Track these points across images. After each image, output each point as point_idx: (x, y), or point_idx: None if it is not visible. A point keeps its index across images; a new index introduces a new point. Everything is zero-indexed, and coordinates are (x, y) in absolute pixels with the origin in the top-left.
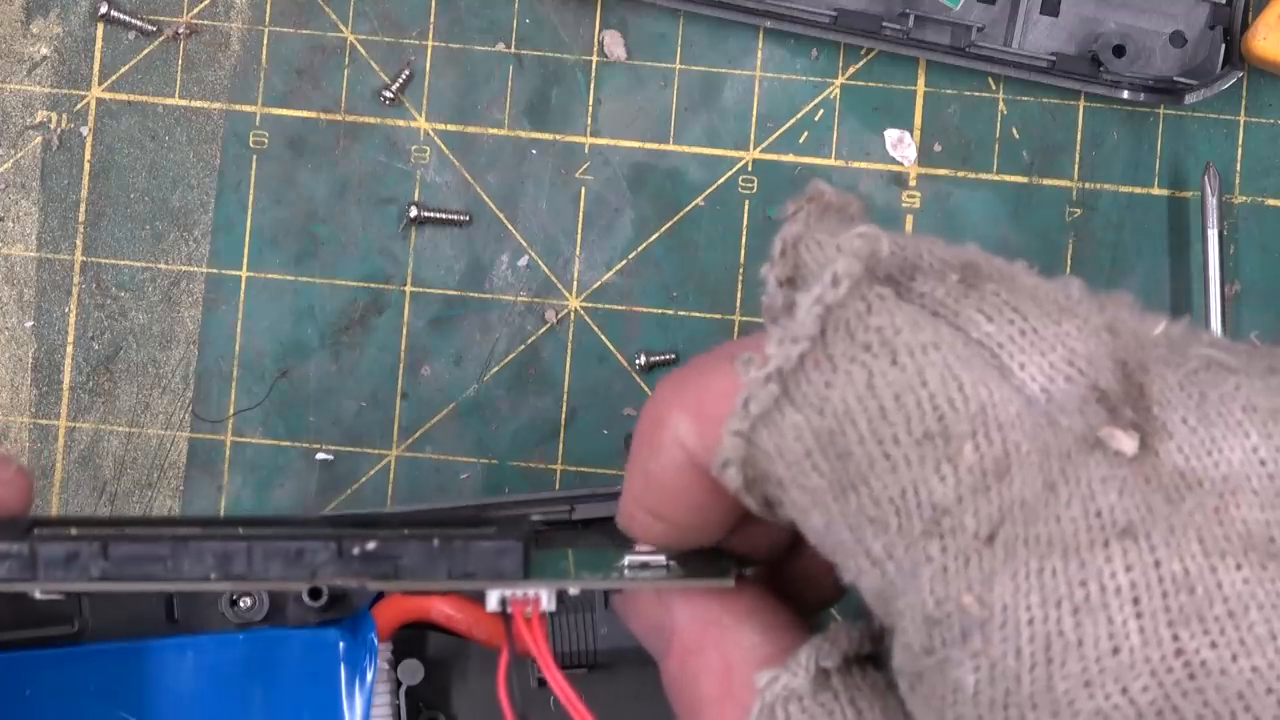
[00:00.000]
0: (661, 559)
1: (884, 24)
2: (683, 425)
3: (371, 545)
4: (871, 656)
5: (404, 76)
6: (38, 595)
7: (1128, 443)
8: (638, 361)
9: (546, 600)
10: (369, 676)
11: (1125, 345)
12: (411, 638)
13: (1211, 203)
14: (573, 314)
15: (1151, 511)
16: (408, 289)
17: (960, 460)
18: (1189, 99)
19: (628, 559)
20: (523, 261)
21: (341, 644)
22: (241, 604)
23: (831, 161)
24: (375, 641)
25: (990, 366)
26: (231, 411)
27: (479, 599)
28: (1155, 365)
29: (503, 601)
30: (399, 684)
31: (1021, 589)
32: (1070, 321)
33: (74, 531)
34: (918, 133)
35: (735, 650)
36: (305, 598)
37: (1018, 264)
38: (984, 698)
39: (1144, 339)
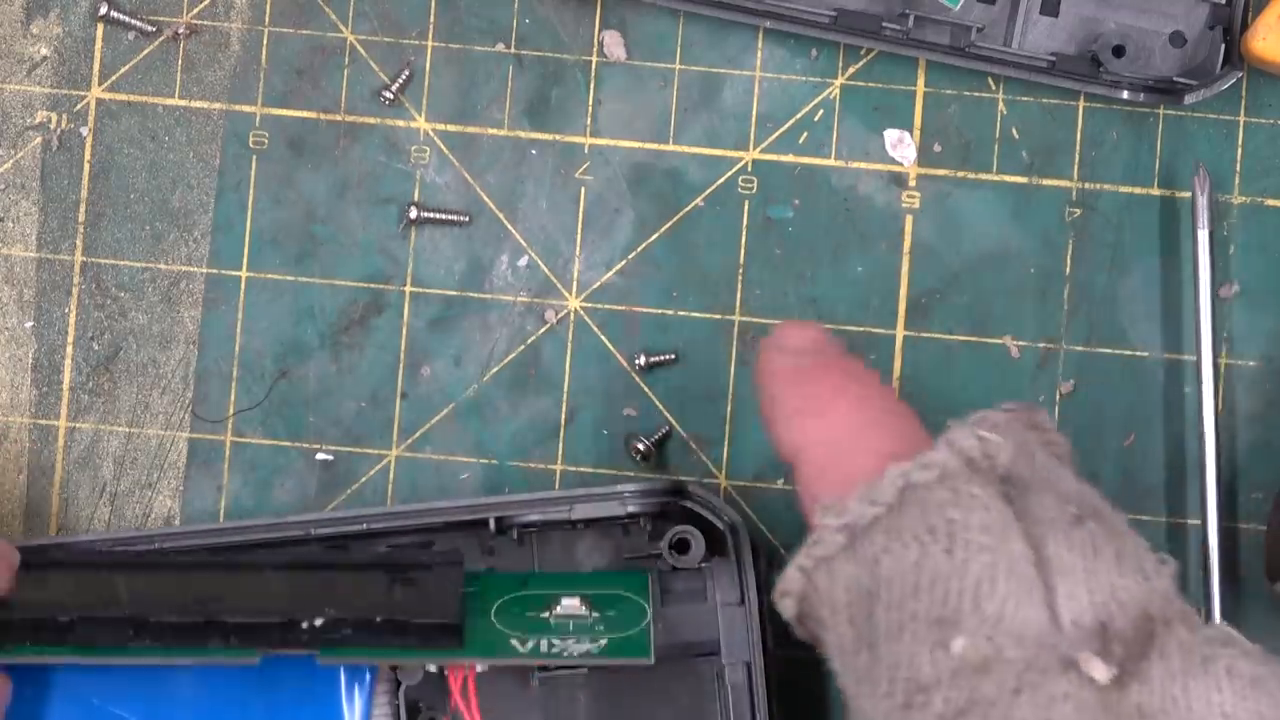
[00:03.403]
0: (584, 609)
1: (884, 24)
2: (813, 446)
3: (319, 622)
4: None
5: (404, 76)
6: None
7: (1101, 670)
8: (638, 361)
9: (481, 665)
10: (369, 676)
11: (1168, 607)
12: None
13: (1201, 202)
14: (573, 314)
15: None
16: (408, 289)
17: (953, 648)
18: (1189, 99)
19: (557, 609)
20: (523, 261)
21: None
22: None
23: (831, 162)
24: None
25: (1036, 586)
26: (231, 411)
27: None
28: (1177, 623)
29: (440, 666)
30: (399, 684)
31: None
32: (1132, 577)
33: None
34: (918, 133)
35: None
36: None
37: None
38: None
39: (1190, 612)
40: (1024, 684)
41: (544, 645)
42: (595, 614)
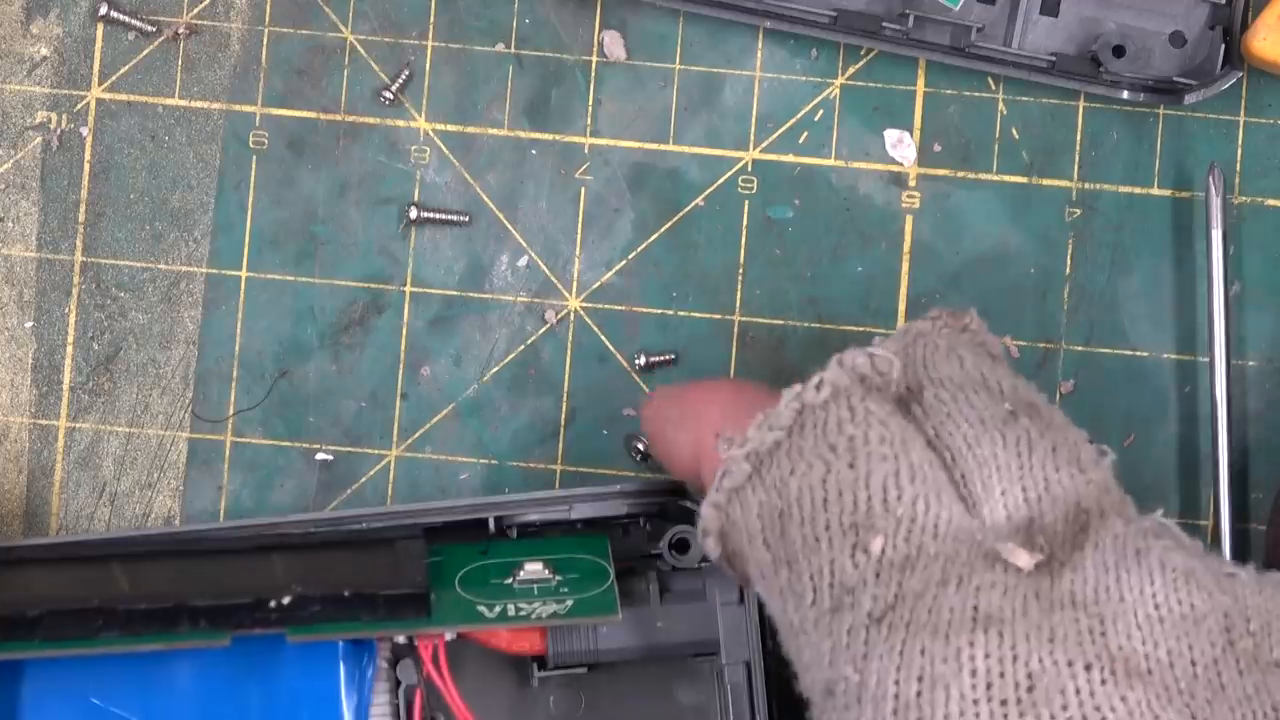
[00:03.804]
0: (547, 573)
1: (884, 24)
2: (709, 434)
3: (287, 600)
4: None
5: (404, 76)
6: None
7: (1024, 558)
8: (638, 361)
9: (449, 634)
10: (368, 675)
11: (1103, 498)
12: (410, 636)
13: (1216, 203)
14: (573, 314)
15: (1025, 614)
16: (408, 289)
17: (871, 549)
18: (1189, 99)
19: (520, 574)
20: (522, 261)
21: (340, 644)
22: None
23: (831, 162)
24: (374, 640)
25: (945, 487)
26: (231, 411)
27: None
28: (1111, 514)
29: (409, 636)
30: (398, 683)
31: (893, 663)
32: (1066, 470)
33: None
34: (917, 133)
35: None
36: None
37: (1080, 430)
38: None
39: (1127, 502)
40: (950, 576)
41: (510, 609)
42: (558, 577)
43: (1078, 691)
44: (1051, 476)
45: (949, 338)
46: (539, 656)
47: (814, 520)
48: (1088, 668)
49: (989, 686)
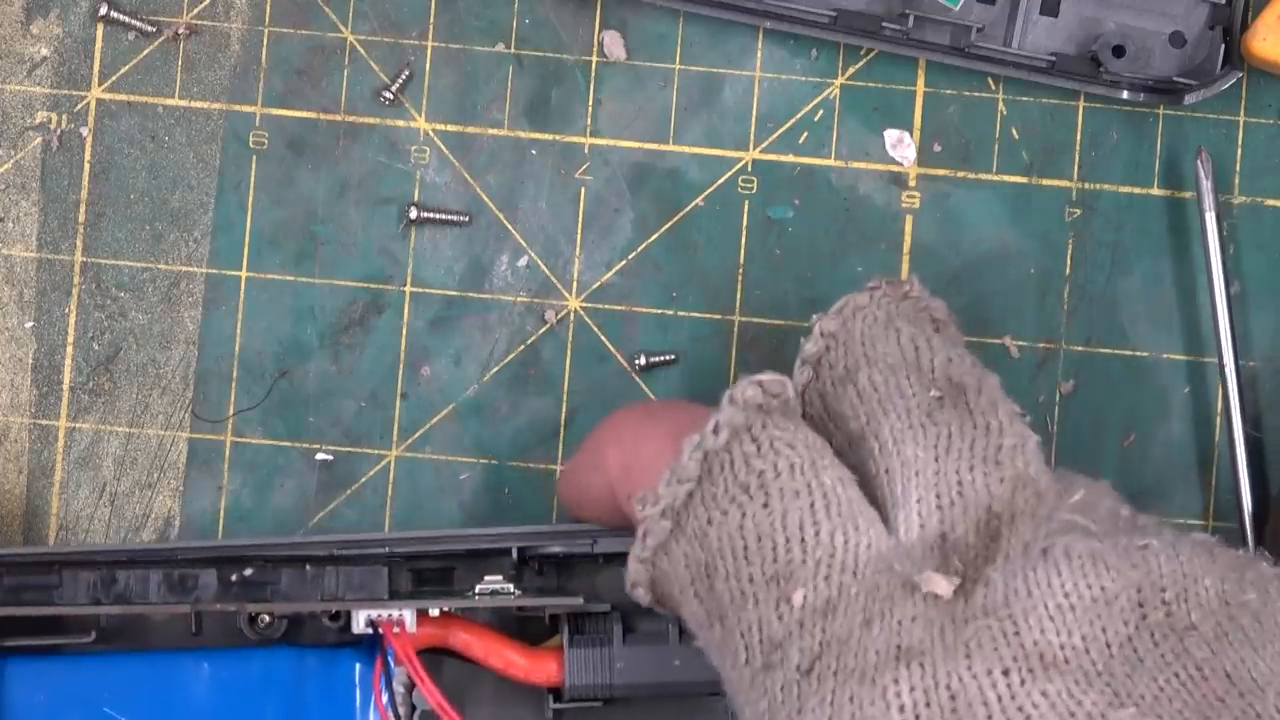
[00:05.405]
0: (509, 586)
1: (884, 24)
2: (613, 467)
3: (249, 572)
4: None
5: (404, 76)
6: None
7: (943, 585)
8: (638, 361)
9: (410, 620)
10: (381, 682)
11: (1016, 497)
12: (428, 662)
13: (1206, 186)
14: (573, 314)
15: (943, 639)
16: (408, 289)
17: (794, 600)
18: (1189, 99)
19: (479, 586)
20: (522, 262)
21: (358, 666)
22: (260, 621)
23: (831, 162)
24: (392, 665)
25: (862, 510)
26: (231, 411)
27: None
28: (1021, 519)
29: (371, 622)
30: (414, 708)
31: (825, 714)
32: (980, 470)
33: None
34: (917, 133)
35: None
36: (324, 619)
37: (1009, 408)
38: None
39: (1044, 493)
40: (872, 614)
41: (474, 597)
42: (518, 591)
43: (999, 698)
44: (965, 478)
45: (887, 308)
46: (555, 688)
47: (738, 574)
48: (1005, 673)
49: (917, 718)
